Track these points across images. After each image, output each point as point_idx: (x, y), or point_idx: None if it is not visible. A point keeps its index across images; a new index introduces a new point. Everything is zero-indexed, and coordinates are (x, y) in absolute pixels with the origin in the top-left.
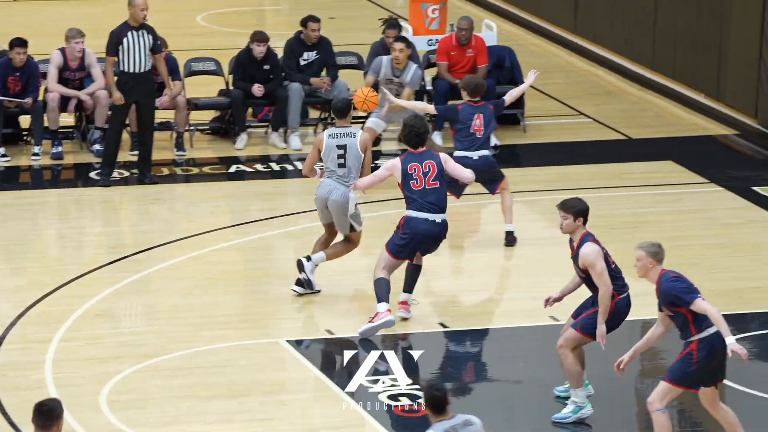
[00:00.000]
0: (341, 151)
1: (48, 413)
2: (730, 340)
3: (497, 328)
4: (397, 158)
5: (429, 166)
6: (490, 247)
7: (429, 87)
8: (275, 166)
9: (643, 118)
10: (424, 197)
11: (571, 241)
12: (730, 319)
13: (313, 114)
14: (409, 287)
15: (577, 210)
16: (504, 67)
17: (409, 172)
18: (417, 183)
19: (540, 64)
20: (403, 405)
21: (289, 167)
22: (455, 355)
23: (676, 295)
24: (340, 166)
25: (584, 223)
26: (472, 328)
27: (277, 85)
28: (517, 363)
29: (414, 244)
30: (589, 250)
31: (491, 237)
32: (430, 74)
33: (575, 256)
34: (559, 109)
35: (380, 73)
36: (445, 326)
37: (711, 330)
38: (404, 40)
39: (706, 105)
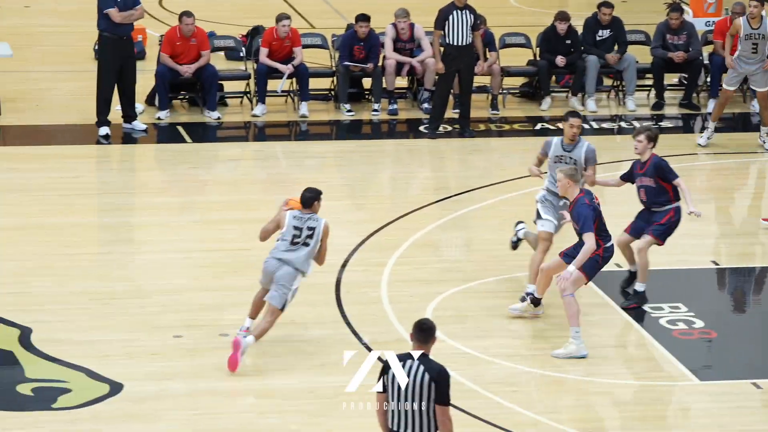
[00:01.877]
0: None
1: (428, 330)
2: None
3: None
4: None
5: None
6: None
7: (706, 61)
8: None
9: None
10: None
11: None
12: None
13: (607, 82)
14: None
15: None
16: None
17: None
18: None
19: None
20: (680, 329)
21: (585, 126)
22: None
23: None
24: None
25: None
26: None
27: (576, 57)
28: None
29: None
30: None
31: None
32: (707, 51)
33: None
34: None
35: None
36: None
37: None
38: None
39: None
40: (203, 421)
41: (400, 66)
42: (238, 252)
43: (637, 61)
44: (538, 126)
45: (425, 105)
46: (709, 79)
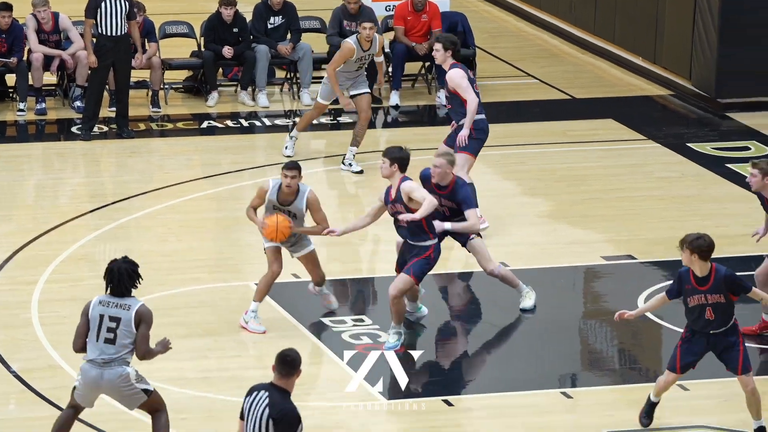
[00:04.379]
0: None
1: (291, 363)
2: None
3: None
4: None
5: None
6: None
7: (387, 50)
8: (244, 122)
9: (585, 79)
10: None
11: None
12: (665, 265)
13: (280, 74)
14: None
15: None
16: (456, 31)
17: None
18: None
19: (490, 29)
20: (365, 344)
21: (257, 123)
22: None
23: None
24: None
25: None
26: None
27: (245, 47)
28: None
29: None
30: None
31: None
32: (387, 38)
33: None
34: (508, 70)
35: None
36: None
37: None
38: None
39: (644, 68)
40: None
41: (48, 60)
42: None
43: (312, 51)
44: (205, 124)
45: (77, 103)
46: (390, 69)
